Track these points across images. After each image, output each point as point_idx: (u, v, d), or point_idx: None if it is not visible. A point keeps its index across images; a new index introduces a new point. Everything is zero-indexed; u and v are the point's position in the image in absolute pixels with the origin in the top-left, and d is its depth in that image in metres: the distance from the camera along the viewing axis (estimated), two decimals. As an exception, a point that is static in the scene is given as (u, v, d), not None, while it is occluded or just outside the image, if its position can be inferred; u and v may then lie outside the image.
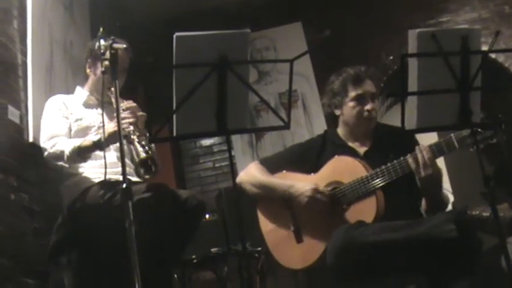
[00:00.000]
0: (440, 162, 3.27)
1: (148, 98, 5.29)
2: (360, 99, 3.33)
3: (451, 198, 3.45)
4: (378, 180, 3.08)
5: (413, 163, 2.98)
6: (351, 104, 3.34)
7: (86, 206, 3.18)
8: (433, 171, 2.97)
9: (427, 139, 3.14)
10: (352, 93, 3.34)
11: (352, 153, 3.33)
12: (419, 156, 2.97)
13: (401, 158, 3.05)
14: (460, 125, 2.59)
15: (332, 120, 3.53)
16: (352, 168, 3.20)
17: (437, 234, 2.77)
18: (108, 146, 3.18)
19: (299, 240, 3.29)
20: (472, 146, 2.81)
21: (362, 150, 3.37)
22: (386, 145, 3.29)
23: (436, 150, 2.98)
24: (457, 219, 2.81)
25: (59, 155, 3.28)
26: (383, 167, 3.08)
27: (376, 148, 3.35)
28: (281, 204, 3.35)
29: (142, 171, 2.98)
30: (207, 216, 4.46)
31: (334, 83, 3.43)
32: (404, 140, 3.18)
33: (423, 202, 3.23)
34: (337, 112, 3.44)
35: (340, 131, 3.48)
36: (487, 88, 2.60)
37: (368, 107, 3.32)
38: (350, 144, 3.41)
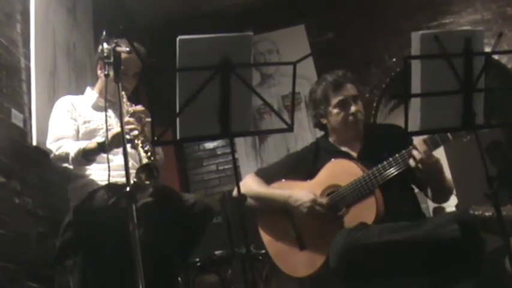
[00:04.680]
0: (444, 164, 3.27)
1: (150, 100, 5.30)
2: (343, 105, 3.33)
3: (455, 199, 3.46)
4: (376, 178, 3.09)
5: (413, 162, 2.99)
6: (335, 110, 3.35)
7: (92, 209, 3.17)
8: (431, 163, 2.98)
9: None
10: (334, 100, 3.34)
11: (346, 157, 3.35)
12: (414, 153, 2.98)
13: (397, 155, 3.07)
14: (464, 127, 2.58)
15: (321, 128, 3.55)
16: (348, 170, 3.22)
17: (440, 234, 2.78)
18: (112, 148, 3.16)
19: (302, 247, 3.29)
20: (465, 136, 2.83)
21: (355, 153, 3.38)
22: (378, 144, 3.31)
23: (430, 143, 2.99)
24: (460, 219, 2.82)
25: (64, 157, 3.27)
26: (379, 165, 3.10)
27: (369, 149, 3.36)
28: (281, 213, 3.36)
29: (142, 176, 2.96)
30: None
31: (316, 93, 3.43)
32: (397, 137, 3.18)
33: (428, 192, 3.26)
34: (324, 121, 3.45)
35: (331, 137, 3.50)
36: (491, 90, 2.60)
37: (352, 109, 3.33)
38: (343, 149, 3.42)
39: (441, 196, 3.28)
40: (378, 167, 3.10)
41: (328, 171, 3.32)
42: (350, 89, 3.35)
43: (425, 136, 2.99)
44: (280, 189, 3.41)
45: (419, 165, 2.97)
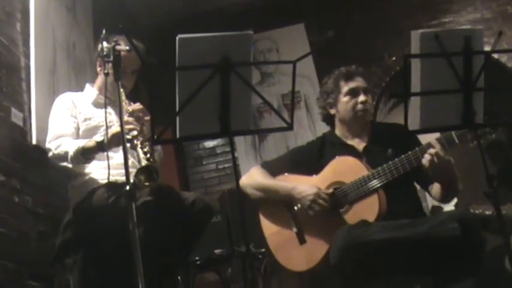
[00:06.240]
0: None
1: (150, 99, 5.29)
2: (353, 93, 3.40)
3: (454, 198, 3.46)
4: (378, 179, 3.09)
5: (427, 159, 2.97)
6: (345, 99, 3.40)
7: (92, 207, 3.17)
8: (445, 161, 2.96)
9: (427, 136, 3.14)
10: (345, 88, 3.41)
11: (352, 150, 3.36)
12: (432, 151, 2.96)
13: (403, 156, 3.07)
14: (463, 126, 2.58)
15: (329, 121, 3.58)
16: (353, 167, 3.22)
17: (440, 232, 2.79)
18: (111, 148, 3.15)
19: (302, 241, 3.30)
20: (471, 141, 2.83)
21: (361, 146, 3.40)
22: (384, 141, 3.33)
23: (445, 141, 2.99)
24: (460, 218, 2.82)
25: (63, 156, 3.26)
26: (384, 165, 3.10)
27: (375, 144, 3.38)
28: (283, 206, 3.37)
29: (142, 178, 2.94)
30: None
31: (327, 84, 3.51)
32: (403, 136, 3.19)
33: (436, 190, 3.24)
34: (333, 111, 3.48)
35: (338, 130, 3.51)
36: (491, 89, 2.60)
37: (361, 98, 3.37)
38: (349, 142, 3.44)
39: (449, 196, 3.27)
40: (383, 166, 3.10)
41: (332, 167, 3.33)
42: (361, 81, 3.44)
43: (438, 135, 3.00)
44: (284, 181, 3.42)
45: (435, 159, 2.94)
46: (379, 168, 3.11)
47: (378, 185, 3.09)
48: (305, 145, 3.66)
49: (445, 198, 3.27)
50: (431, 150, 2.96)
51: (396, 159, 3.08)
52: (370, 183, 3.11)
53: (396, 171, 3.07)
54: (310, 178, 3.37)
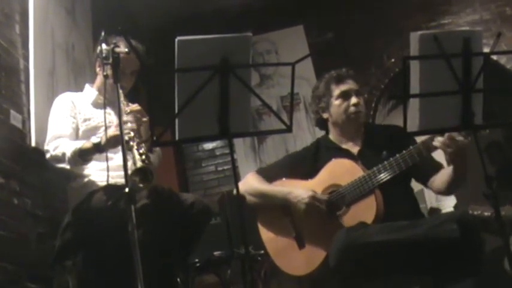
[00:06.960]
0: (443, 163, 3.27)
1: (150, 101, 5.30)
2: (345, 96, 3.40)
3: (453, 199, 3.46)
4: (376, 178, 3.09)
5: (439, 143, 2.87)
6: (337, 102, 3.41)
7: (91, 210, 3.16)
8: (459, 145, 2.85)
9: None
10: (337, 91, 3.41)
11: (346, 154, 3.37)
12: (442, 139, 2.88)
13: (398, 155, 3.07)
14: (463, 127, 2.58)
15: (322, 126, 3.59)
16: (349, 169, 3.23)
17: (440, 234, 2.79)
18: (107, 149, 3.14)
19: (301, 246, 3.30)
20: (466, 137, 2.81)
21: (355, 150, 3.40)
22: (378, 143, 3.34)
23: (430, 142, 2.97)
24: (459, 219, 2.82)
25: (61, 158, 3.25)
26: (380, 165, 3.10)
27: (369, 146, 3.38)
28: (281, 211, 3.37)
29: (136, 180, 2.93)
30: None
31: (318, 88, 3.51)
32: (397, 137, 3.21)
33: (441, 178, 3.16)
34: (325, 115, 3.49)
35: (332, 134, 3.53)
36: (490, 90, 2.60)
37: (354, 100, 3.38)
38: (343, 146, 3.45)
39: (457, 182, 3.10)
40: (378, 166, 3.10)
41: (329, 170, 3.33)
42: (352, 84, 3.44)
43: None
44: (281, 186, 3.42)
45: (450, 142, 2.81)
46: (375, 168, 3.12)
47: (376, 184, 3.08)
48: (300, 150, 3.68)
49: (451, 185, 3.12)
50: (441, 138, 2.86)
51: (392, 158, 3.07)
52: (367, 183, 3.11)
53: (398, 167, 3.05)
54: (307, 182, 3.38)
